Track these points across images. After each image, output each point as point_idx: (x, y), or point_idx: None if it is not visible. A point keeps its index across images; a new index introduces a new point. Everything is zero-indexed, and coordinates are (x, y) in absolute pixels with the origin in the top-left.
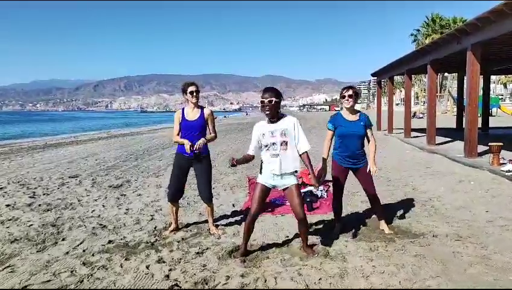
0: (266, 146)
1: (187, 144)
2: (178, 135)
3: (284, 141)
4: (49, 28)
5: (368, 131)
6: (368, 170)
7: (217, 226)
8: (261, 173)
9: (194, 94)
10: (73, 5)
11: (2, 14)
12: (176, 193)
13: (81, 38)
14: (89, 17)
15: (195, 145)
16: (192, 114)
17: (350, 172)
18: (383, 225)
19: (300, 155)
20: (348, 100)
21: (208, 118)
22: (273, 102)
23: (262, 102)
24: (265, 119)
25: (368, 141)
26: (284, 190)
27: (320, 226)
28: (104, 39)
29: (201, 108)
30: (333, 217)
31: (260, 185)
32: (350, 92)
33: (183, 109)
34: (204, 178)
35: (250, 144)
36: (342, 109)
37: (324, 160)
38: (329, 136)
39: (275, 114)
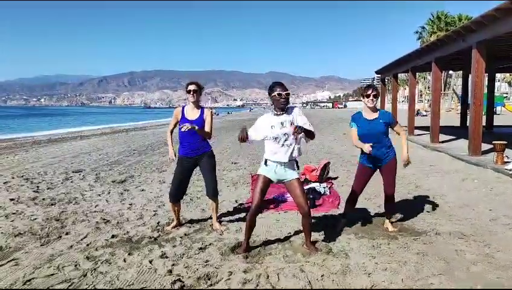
0: (276, 138)
1: (171, 153)
2: (172, 131)
3: None
4: (55, 24)
5: (396, 127)
6: (393, 166)
7: (220, 222)
8: (266, 164)
9: (192, 93)
10: (79, 1)
11: (8, 10)
12: (177, 195)
13: (87, 34)
14: (95, 13)
15: (183, 127)
16: (192, 113)
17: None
18: (387, 223)
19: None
20: (372, 100)
21: (206, 118)
22: (288, 95)
23: (279, 94)
24: (269, 112)
25: (398, 134)
26: (285, 184)
27: (323, 223)
28: (109, 35)
29: (202, 108)
30: (336, 214)
31: (262, 177)
32: (374, 92)
33: (183, 107)
34: (210, 175)
35: (251, 130)
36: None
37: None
38: (355, 134)
39: (286, 106)
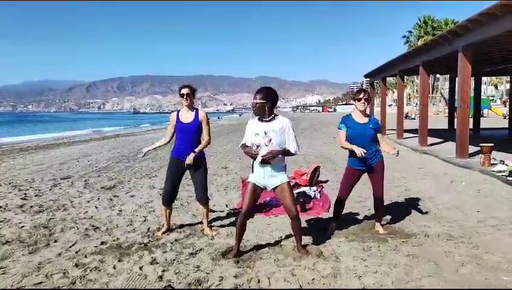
0: (259, 146)
1: (147, 148)
2: (170, 139)
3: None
4: (43, 29)
5: (378, 135)
6: (381, 168)
7: (210, 227)
8: (252, 172)
9: (185, 97)
10: (67, 5)
11: None
12: (170, 197)
13: (75, 39)
14: (82, 17)
15: (187, 161)
16: (186, 116)
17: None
18: (378, 226)
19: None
20: (364, 103)
21: (202, 120)
22: (257, 104)
23: (252, 103)
24: (255, 118)
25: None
26: (274, 189)
27: (314, 226)
28: (97, 40)
29: (196, 110)
30: (326, 217)
31: (251, 184)
32: (366, 95)
33: (178, 111)
34: (201, 181)
35: (244, 138)
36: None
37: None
38: (343, 136)
39: (263, 114)
